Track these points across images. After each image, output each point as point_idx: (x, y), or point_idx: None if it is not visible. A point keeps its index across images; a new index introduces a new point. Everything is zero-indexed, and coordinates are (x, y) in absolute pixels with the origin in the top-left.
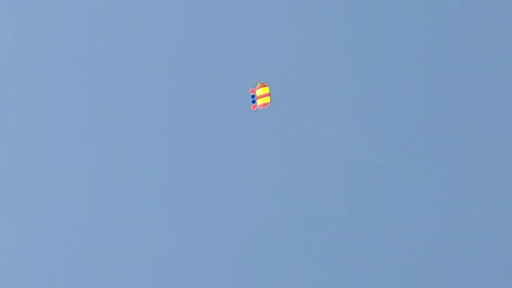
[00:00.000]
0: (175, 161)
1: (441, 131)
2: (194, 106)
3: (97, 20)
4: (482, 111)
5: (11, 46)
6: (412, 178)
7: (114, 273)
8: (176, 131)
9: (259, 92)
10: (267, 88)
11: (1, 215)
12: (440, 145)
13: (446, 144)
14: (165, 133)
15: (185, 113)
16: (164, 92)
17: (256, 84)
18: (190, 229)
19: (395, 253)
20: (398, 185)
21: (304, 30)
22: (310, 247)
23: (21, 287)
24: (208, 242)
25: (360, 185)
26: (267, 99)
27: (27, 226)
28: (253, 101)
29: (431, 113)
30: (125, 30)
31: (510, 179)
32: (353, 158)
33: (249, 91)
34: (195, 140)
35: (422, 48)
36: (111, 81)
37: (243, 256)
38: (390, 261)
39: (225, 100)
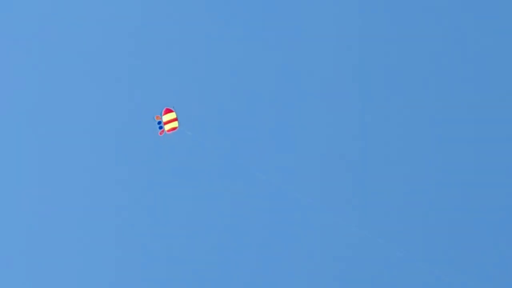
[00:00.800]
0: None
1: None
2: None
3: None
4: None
5: None
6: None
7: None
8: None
9: (166, 117)
10: (174, 113)
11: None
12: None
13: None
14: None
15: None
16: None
17: (161, 110)
18: None
19: None
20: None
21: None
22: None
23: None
24: None
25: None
26: (175, 124)
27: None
28: (160, 127)
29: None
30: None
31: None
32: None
33: (154, 117)
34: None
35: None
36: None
37: None
38: None
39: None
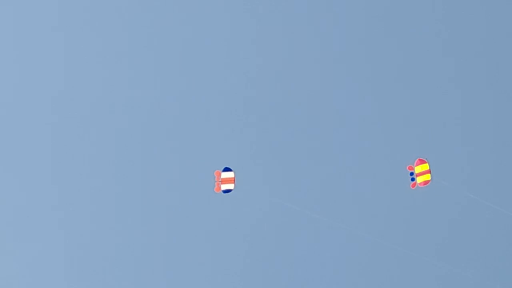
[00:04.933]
0: None
1: None
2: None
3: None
4: None
5: None
6: None
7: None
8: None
9: (418, 169)
10: (427, 165)
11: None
12: None
13: None
14: None
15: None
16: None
17: (415, 160)
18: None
19: None
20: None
21: None
22: None
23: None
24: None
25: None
26: (427, 177)
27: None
28: (412, 179)
29: None
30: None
31: None
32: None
33: (407, 168)
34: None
35: None
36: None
37: None
38: None
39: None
